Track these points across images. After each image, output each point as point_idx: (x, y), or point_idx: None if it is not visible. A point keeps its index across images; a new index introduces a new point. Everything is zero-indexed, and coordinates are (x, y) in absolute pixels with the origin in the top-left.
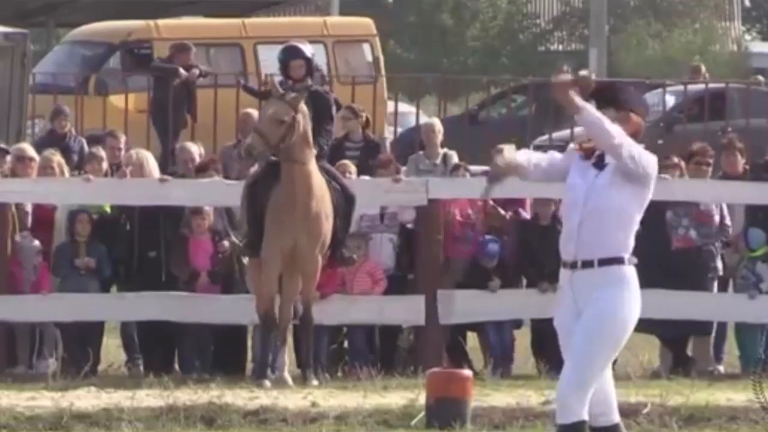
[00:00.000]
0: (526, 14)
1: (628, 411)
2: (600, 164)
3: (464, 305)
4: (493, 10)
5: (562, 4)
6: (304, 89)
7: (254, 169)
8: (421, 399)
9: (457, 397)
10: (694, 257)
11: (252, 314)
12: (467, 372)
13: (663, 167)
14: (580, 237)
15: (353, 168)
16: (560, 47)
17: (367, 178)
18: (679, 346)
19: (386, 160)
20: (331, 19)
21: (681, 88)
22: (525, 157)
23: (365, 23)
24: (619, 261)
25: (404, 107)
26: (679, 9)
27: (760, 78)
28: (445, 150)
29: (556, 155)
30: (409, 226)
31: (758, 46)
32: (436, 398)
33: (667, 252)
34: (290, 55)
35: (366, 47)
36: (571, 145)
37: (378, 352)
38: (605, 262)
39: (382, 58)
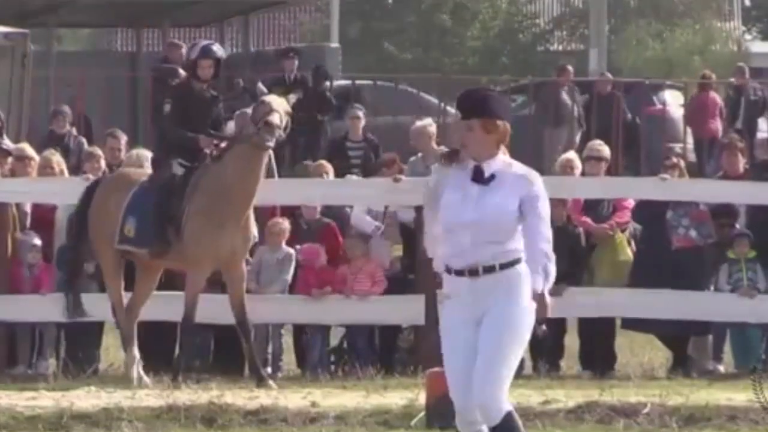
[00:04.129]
0: (526, 14)
1: (628, 411)
2: (481, 179)
3: None
4: (493, 10)
5: (562, 4)
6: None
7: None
8: (421, 399)
9: None
10: (694, 257)
11: (252, 314)
12: None
13: (663, 167)
14: (477, 248)
15: (330, 168)
16: (560, 47)
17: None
18: (679, 346)
19: (390, 159)
20: None
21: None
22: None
23: None
24: (518, 261)
25: None
26: (680, 9)
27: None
28: (443, 147)
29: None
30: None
31: (758, 46)
32: (436, 398)
33: (667, 252)
34: (201, 54)
35: None
36: (434, 166)
37: (378, 352)
38: (506, 265)
39: None
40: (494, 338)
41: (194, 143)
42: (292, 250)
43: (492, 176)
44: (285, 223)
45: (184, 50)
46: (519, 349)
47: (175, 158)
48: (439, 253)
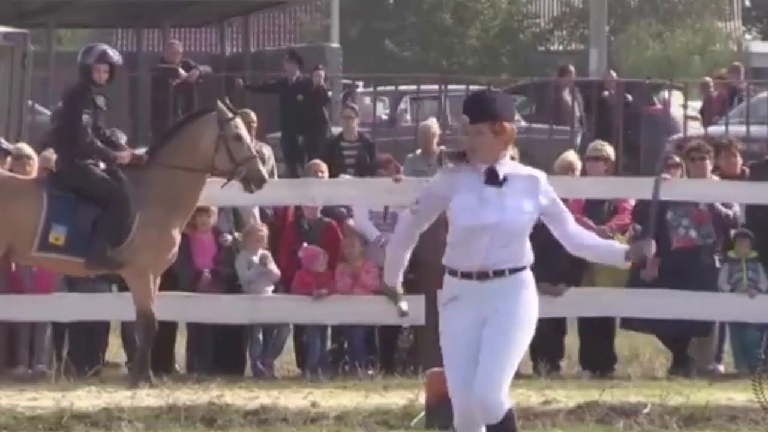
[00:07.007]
0: (526, 14)
1: (628, 411)
2: (495, 181)
3: None
4: (493, 10)
5: (562, 4)
6: None
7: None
8: (422, 399)
9: None
10: (694, 257)
11: (252, 314)
12: None
13: (665, 167)
14: (490, 251)
15: (325, 167)
16: (560, 47)
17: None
18: (679, 346)
19: (386, 159)
20: None
21: None
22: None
23: None
24: (525, 269)
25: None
26: (680, 9)
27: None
28: (442, 147)
29: (425, 208)
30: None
31: (758, 46)
32: (437, 398)
33: (667, 252)
34: (98, 59)
35: None
36: (445, 166)
37: (378, 352)
38: (515, 270)
39: None
40: (500, 336)
41: (113, 160)
42: (268, 252)
43: (505, 178)
44: (264, 230)
45: (179, 49)
46: (522, 350)
47: (90, 164)
48: (400, 259)
